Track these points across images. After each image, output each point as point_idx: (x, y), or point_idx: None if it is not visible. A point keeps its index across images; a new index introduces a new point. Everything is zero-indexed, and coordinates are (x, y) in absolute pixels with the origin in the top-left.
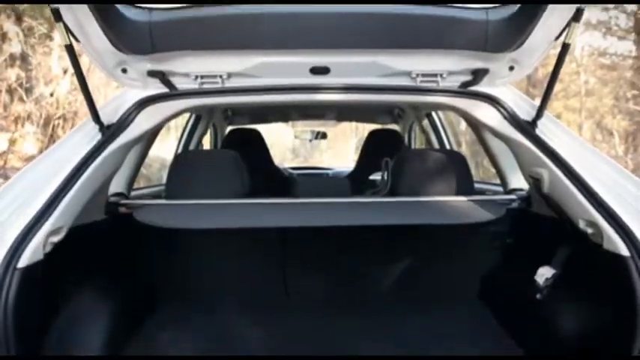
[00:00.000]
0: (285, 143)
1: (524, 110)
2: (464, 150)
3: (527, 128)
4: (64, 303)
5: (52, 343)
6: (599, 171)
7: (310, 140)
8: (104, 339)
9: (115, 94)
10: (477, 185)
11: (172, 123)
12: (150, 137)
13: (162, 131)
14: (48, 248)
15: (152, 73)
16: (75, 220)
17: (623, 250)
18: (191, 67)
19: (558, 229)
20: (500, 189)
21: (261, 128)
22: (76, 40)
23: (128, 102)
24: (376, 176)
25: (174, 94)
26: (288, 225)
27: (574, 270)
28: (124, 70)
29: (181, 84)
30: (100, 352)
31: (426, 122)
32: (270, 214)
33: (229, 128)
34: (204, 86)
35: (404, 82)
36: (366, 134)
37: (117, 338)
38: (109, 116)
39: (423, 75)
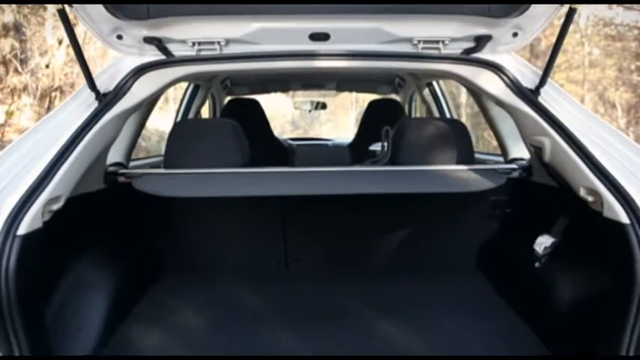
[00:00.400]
0: (284, 116)
1: (527, 78)
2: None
3: (530, 96)
4: (65, 271)
5: (54, 310)
6: (601, 139)
7: (310, 111)
8: (105, 308)
9: (111, 62)
10: (477, 156)
11: (171, 95)
12: (147, 106)
13: (161, 104)
14: (47, 217)
15: (148, 40)
16: (73, 189)
17: (623, 218)
18: (188, 33)
19: (558, 198)
20: (501, 159)
21: (261, 100)
22: (69, 3)
23: (124, 69)
24: (376, 147)
25: (171, 60)
26: (288, 194)
27: (573, 238)
28: (120, 37)
29: (178, 51)
30: (101, 321)
31: (426, 92)
32: (270, 183)
33: (228, 98)
34: (202, 53)
35: (405, 49)
36: (365, 106)
37: (117, 308)
38: (105, 84)
39: (425, 42)
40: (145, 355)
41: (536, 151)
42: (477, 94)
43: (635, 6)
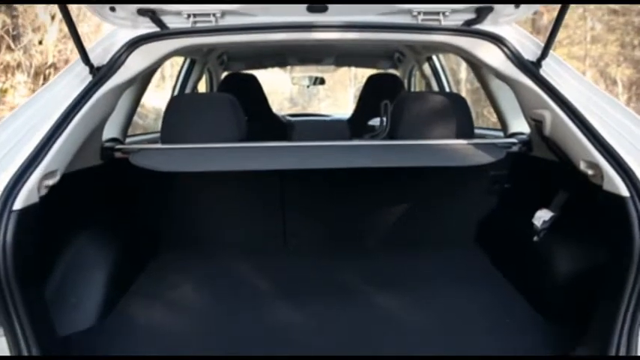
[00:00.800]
0: (282, 92)
1: (529, 50)
2: None
3: (531, 68)
4: (64, 246)
5: (53, 285)
6: (603, 112)
7: (308, 86)
8: (104, 283)
9: (105, 34)
10: (477, 131)
11: (167, 73)
12: (143, 81)
13: (157, 81)
14: (43, 191)
15: (142, 12)
16: (70, 165)
17: (623, 191)
18: (183, 5)
19: (558, 173)
20: (501, 134)
21: (258, 77)
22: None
23: (118, 42)
24: (375, 122)
25: (165, 33)
26: (286, 167)
27: (573, 212)
28: (112, 9)
29: (173, 23)
30: (100, 296)
31: (426, 67)
32: (268, 157)
33: (225, 74)
34: (197, 25)
35: (405, 20)
36: (364, 82)
37: (116, 283)
38: (99, 57)
39: (425, 13)
40: (146, 329)
41: (537, 124)
42: (477, 67)
43: None
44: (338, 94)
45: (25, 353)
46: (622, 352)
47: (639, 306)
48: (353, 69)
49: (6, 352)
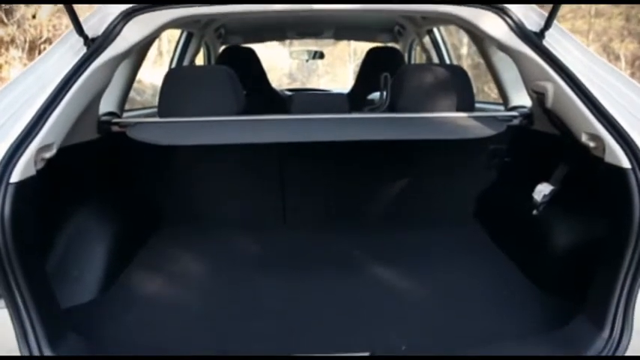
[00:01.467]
0: (281, 68)
1: (532, 20)
2: None
3: (534, 39)
4: (63, 221)
5: (55, 259)
6: (606, 83)
7: (307, 60)
8: (106, 257)
9: (99, 5)
10: (478, 104)
11: (165, 48)
12: (139, 54)
13: (155, 57)
14: (40, 165)
15: None
16: (66, 138)
17: (625, 163)
18: None
19: (559, 146)
20: (502, 108)
21: (257, 53)
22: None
23: (113, 13)
24: (375, 96)
25: (161, 2)
26: (285, 140)
27: (573, 185)
28: None
29: None
30: (101, 270)
31: (426, 40)
32: (267, 130)
33: (222, 47)
34: None
35: None
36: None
37: (118, 257)
38: (93, 28)
39: None
40: (147, 302)
41: (539, 97)
42: (478, 39)
43: None
44: (337, 69)
45: (27, 325)
46: (619, 319)
47: (637, 273)
48: (352, 44)
49: (8, 324)
